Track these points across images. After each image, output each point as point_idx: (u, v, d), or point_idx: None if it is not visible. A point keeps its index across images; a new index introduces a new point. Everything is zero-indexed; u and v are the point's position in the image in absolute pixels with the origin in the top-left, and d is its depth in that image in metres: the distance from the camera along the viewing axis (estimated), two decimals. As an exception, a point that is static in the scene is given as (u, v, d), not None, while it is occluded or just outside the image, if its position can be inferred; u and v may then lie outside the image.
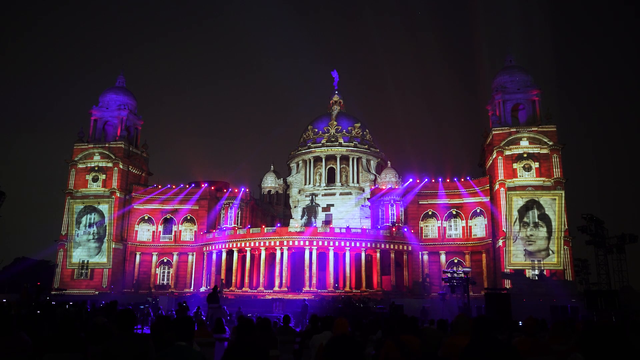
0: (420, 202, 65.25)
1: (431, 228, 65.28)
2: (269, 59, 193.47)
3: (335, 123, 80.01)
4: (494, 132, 61.70)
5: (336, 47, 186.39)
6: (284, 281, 56.75)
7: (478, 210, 63.72)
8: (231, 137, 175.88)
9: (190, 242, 67.30)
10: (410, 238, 61.46)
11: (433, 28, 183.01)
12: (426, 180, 66.00)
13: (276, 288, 56.24)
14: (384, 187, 68.46)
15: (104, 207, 65.78)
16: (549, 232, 56.99)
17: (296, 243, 58.11)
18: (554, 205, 57.49)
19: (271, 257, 58.91)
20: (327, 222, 69.50)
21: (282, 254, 57.90)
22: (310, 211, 71.76)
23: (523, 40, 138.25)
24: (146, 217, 68.65)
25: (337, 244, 57.80)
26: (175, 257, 67.21)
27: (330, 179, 77.28)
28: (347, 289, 55.31)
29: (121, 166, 67.42)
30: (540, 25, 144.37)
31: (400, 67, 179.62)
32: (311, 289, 54.96)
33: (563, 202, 57.45)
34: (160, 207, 68.30)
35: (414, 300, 47.76)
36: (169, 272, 67.38)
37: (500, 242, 58.24)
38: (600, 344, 3.63)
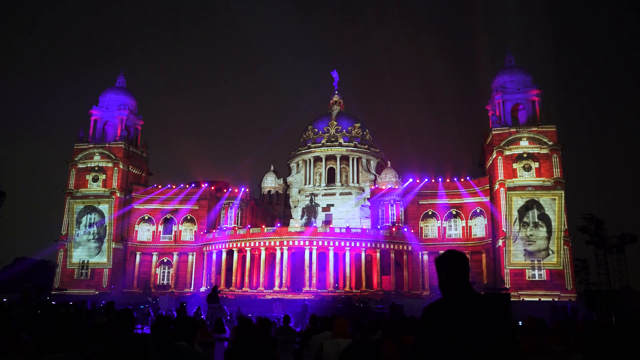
0: (420, 202, 65.27)
1: (431, 228, 65.29)
2: (269, 59, 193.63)
3: (335, 123, 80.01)
4: (493, 132, 61.72)
5: (336, 47, 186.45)
6: (284, 281, 56.76)
7: (478, 210, 63.74)
8: (231, 137, 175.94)
9: (190, 242, 67.31)
10: (410, 238, 61.46)
11: (433, 28, 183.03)
12: (426, 180, 66.01)
13: (276, 288, 56.25)
14: (384, 187, 68.45)
15: (104, 207, 65.81)
16: (549, 232, 57.00)
17: (296, 243, 58.12)
18: (553, 205, 57.50)
19: (271, 257, 58.92)
20: (327, 222, 69.48)
21: (282, 254, 57.92)
22: (310, 211, 71.78)
23: (523, 40, 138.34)
24: (146, 217, 68.67)
25: (337, 244, 57.81)
26: (175, 257, 67.22)
27: (330, 179, 77.27)
28: (347, 289, 55.31)
29: (121, 166, 67.44)
30: (540, 25, 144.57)
31: (400, 67, 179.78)
32: (311, 289, 54.96)
33: (563, 202, 57.45)
34: (160, 207, 68.32)
35: (414, 300, 47.74)
36: (169, 272, 67.39)
37: (500, 242, 58.25)
38: (601, 344, 3.63)
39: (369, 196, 71.90)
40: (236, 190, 68.12)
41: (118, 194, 66.27)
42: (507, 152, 60.28)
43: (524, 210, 58.05)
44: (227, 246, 60.99)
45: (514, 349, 3.58)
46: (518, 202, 58.39)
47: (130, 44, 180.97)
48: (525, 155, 59.83)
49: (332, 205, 74.71)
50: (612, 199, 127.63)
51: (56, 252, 65.04)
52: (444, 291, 3.89)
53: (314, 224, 64.66)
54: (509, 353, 3.55)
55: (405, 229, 62.12)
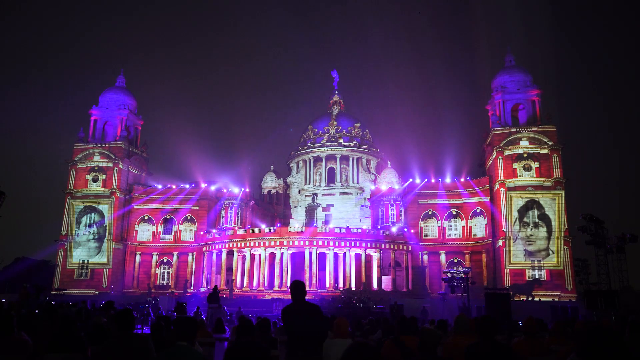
0: (420, 202, 65.24)
1: (431, 228, 65.26)
2: (268, 58, 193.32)
3: (335, 123, 79.99)
4: (493, 132, 61.73)
5: (336, 47, 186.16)
6: (284, 281, 56.75)
7: (478, 210, 63.72)
8: (231, 137, 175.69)
9: (190, 242, 67.29)
10: (410, 238, 61.45)
11: (433, 28, 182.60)
12: (426, 180, 65.98)
13: (276, 288, 56.25)
14: (384, 187, 68.41)
15: (104, 207, 65.80)
16: (549, 232, 57.01)
17: (296, 243, 58.15)
18: (554, 205, 57.51)
19: (271, 257, 58.94)
20: (327, 222, 69.47)
21: (282, 254, 57.95)
22: (310, 211, 71.64)
23: (523, 40, 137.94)
24: (146, 217, 68.65)
25: (337, 244, 57.84)
26: (175, 257, 67.20)
27: (330, 179, 77.26)
28: (347, 288, 55.28)
29: (121, 166, 67.43)
30: (540, 25, 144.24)
31: (400, 67, 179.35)
32: (311, 289, 54.87)
33: (563, 202, 57.47)
34: (160, 207, 68.29)
35: (414, 300, 47.73)
36: (169, 272, 67.37)
37: (500, 242, 58.24)
38: (596, 345, 3.62)
39: (369, 196, 71.88)
40: (236, 191, 68.11)
41: (118, 194, 66.25)
42: (507, 152, 60.29)
43: (524, 210, 58.06)
44: (227, 246, 61.00)
45: (323, 332, 6.89)
46: (518, 202, 58.40)
47: (130, 44, 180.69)
48: (525, 155, 59.84)
49: (332, 205, 74.68)
50: (612, 199, 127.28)
51: (56, 252, 65.00)
52: (292, 299, 7.09)
53: (314, 224, 64.65)
54: (319, 333, 6.81)
55: (405, 229, 62.11)
